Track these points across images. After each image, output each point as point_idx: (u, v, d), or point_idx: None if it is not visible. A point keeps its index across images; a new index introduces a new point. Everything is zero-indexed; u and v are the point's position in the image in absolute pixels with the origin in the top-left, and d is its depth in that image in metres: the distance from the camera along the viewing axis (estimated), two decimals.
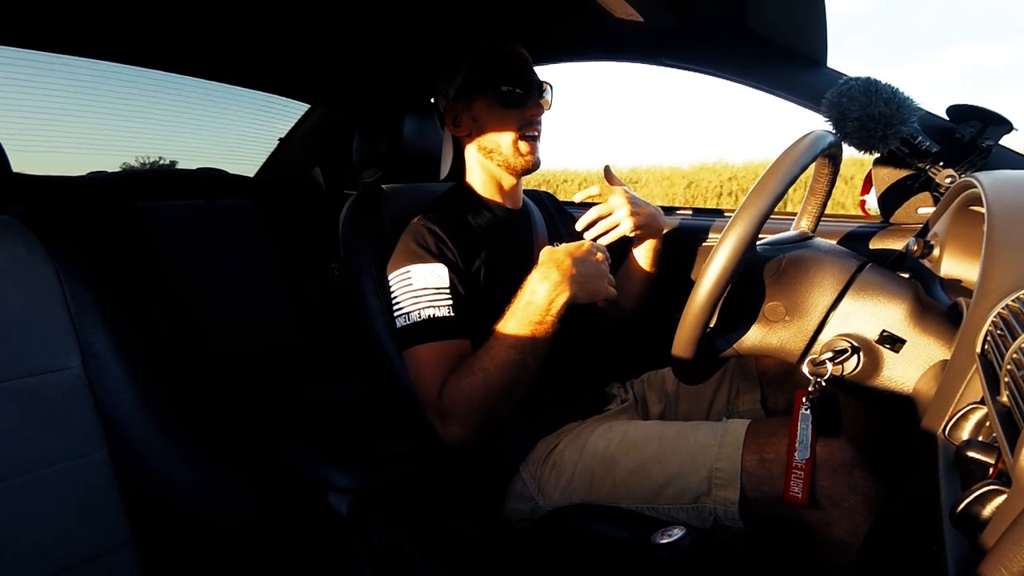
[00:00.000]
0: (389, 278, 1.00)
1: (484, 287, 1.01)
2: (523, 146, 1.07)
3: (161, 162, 1.93)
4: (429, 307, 0.95)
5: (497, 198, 1.13)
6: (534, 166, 1.10)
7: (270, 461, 0.95)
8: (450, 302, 0.96)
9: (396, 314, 0.98)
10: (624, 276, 1.21)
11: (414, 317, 0.95)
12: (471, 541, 0.98)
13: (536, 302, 0.91)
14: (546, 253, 0.95)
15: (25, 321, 0.65)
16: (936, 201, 1.07)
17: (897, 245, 1.09)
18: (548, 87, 1.11)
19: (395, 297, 0.99)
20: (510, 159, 1.08)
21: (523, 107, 1.06)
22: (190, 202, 1.52)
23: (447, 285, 0.97)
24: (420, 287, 0.96)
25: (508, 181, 1.12)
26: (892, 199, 1.13)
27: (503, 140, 1.07)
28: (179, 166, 1.82)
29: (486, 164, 1.11)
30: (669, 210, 1.56)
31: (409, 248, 1.00)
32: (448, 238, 1.00)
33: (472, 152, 1.12)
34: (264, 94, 1.75)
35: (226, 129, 1.95)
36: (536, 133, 1.09)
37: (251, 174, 2.02)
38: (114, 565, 0.67)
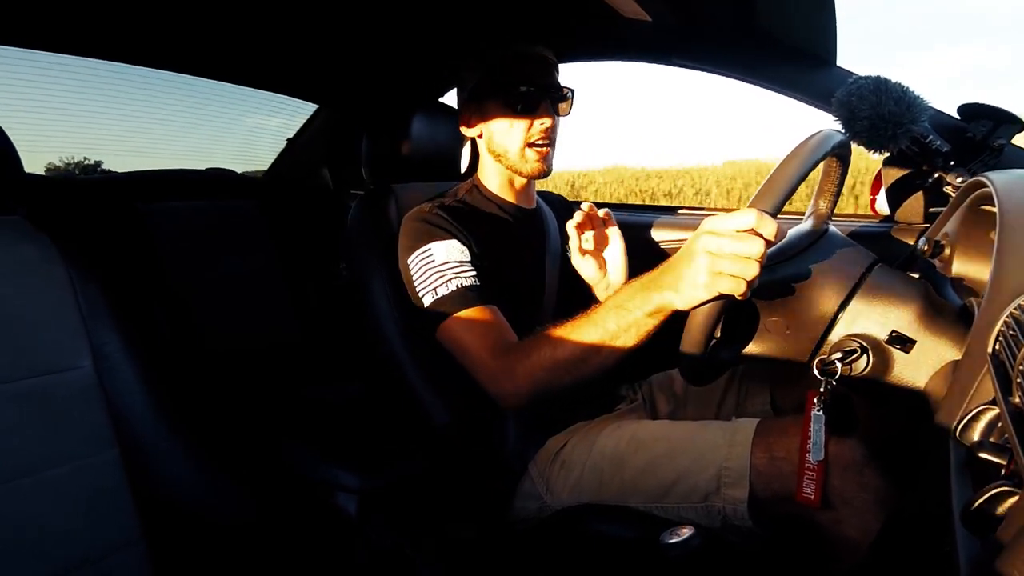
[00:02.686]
0: (408, 261, 0.98)
1: (490, 280, 0.99)
2: (531, 154, 1.04)
3: (98, 163, 1.92)
4: (456, 278, 0.94)
5: (510, 197, 1.12)
6: (542, 174, 1.07)
7: (271, 461, 0.95)
8: (475, 273, 0.95)
9: (423, 292, 0.95)
10: None
11: (442, 291, 0.93)
12: (472, 542, 0.98)
13: (645, 295, 0.74)
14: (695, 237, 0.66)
15: (36, 321, 0.66)
16: (940, 200, 1.06)
17: (907, 245, 1.08)
18: (568, 92, 1.06)
19: (419, 277, 0.96)
20: (516, 165, 1.06)
21: (532, 114, 1.03)
22: (190, 202, 1.52)
23: (469, 259, 0.97)
24: (443, 261, 0.95)
25: (520, 181, 1.11)
26: (901, 198, 1.13)
27: (511, 146, 1.05)
28: (186, 167, 1.82)
29: (498, 164, 1.10)
30: (671, 209, 1.55)
31: (424, 229, 0.99)
32: (459, 223, 1.00)
33: (485, 152, 1.11)
34: (273, 94, 1.76)
35: (234, 130, 1.96)
36: (546, 141, 1.04)
37: (259, 174, 2.03)
38: (123, 565, 0.68)
